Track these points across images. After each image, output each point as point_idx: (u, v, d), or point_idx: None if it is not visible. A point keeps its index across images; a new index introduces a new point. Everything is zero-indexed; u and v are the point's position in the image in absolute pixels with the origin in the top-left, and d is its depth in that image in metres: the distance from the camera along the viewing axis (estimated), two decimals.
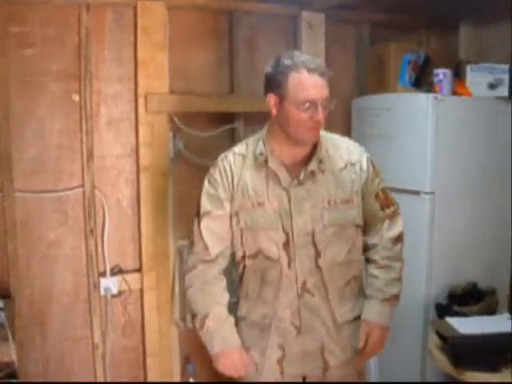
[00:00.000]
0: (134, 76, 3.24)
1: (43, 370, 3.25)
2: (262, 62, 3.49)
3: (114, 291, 3.31)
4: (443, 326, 2.72)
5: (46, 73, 3.09)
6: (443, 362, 2.68)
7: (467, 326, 2.66)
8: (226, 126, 3.49)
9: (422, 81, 3.48)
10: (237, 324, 2.31)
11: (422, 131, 3.13)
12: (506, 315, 2.77)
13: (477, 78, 3.31)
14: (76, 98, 3.15)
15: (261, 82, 3.51)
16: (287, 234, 2.17)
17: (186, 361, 3.57)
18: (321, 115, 2.08)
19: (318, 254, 2.18)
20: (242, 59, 3.51)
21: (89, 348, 3.34)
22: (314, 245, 2.18)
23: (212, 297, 2.25)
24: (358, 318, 2.31)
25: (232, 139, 3.50)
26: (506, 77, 3.29)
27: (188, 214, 3.40)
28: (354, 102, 3.75)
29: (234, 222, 2.23)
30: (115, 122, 3.26)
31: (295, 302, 2.21)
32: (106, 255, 3.28)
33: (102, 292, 3.29)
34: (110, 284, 3.29)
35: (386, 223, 2.32)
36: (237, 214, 2.22)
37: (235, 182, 2.23)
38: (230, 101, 3.48)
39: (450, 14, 3.76)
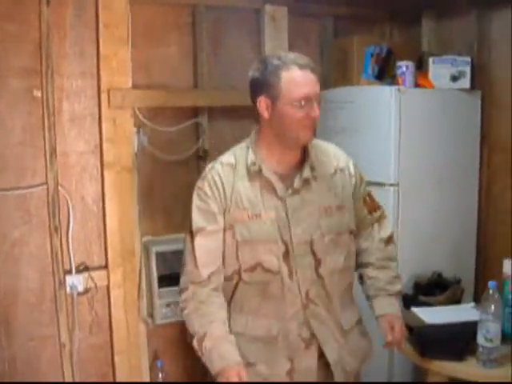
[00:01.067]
0: (96, 71, 3.20)
1: (10, 369, 3.20)
2: (226, 55, 3.57)
3: (80, 289, 3.28)
4: (409, 317, 2.75)
5: (7, 69, 3.03)
6: (410, 353, 2.71)
7: (432, 315, 2.70)
8: (190, 120, 3.48)
9: (384, 73, 3.49)
10: None
11: (385, 123, 3.15)
12: (471, 304, 2.80)
13: (439, 70, 3.34)
14: (38, 94, 3.10)
15: (225, 75, 3.54)
16: (286, 245, 2.13)
17: (154, 357, 3.56)
18: (317, 111, 2.06)
19: (318, 263, 2.16)
20: (206, 53, 3.50)
21: (56, 347, 3.30)
22: (314, 254, 2.15)
23: (208, 317, 2.15)
24: (358, 323, 2.34)
25: (196, 134, 3.51)
26: (468, 69, 3.33)
27: (153, 209, 3.47)
28: None
29: (228, 236, 2.15)
30: (78, 118, 3.22)
31: (301, 313, 2.16)
32: (71, 253, 3.24)
33: (68, 290, 3.25)
34: (76, 282, 3.26)
35: (376, 226, 2.36)
36: (232, 226, 2.14)
37: (227, 193, 2.14)
38: (194, 95, 3.47)
39: (412, 7, 3.78)
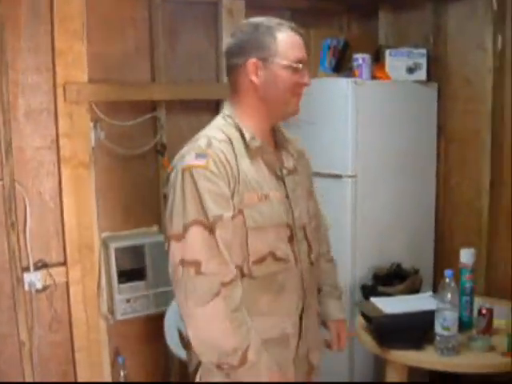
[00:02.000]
0: (52, 66, 3.16)
1: None
2: (183, 49, 3.55)
3: (39, 286, 3.24)
4: (368, 307, 2.78)
5: None
6: (370, 343, 2.74)
7: (391, 305, 2.71)
8: (147, 114, 3.46)
9: (342, 66, 3.53)
10: None
11: (342, 115, 3.18)
12: (429, 293, 2.83)
13: (395, 63, 3.39)
14: None
15: (182, 69, 3.51)
16: (291, 229, 1.93)
17: (115, 353, 3.54)
18: (309, 78, 1.92)
19: (310, 249, 2.02)
20: (163, 47, 3.48)
21: (15, 345, 3.25)
22: (307, 239, 2.01)
23: (246, 324, 1.80)
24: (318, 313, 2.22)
25: (154, 128, 3.49)
26: (424, 61, 3.40)
27: (112, 204, 3.45)
28: None
29: (237, 223, 1.80)
30: (34, 113, 3.18)
31: (300, 305, 1.99)
32: (28, 249, 3.20)
33: (27, 287, 3.21)
34: (34, 279, 3.22)
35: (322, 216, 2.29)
36: (241, 211, 1.81)
37: (235, 172, 1.82)
38: (151, 89, 3.44)
39: (370, 0, 3.82)
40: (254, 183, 1.86)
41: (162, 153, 3.49)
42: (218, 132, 1.88)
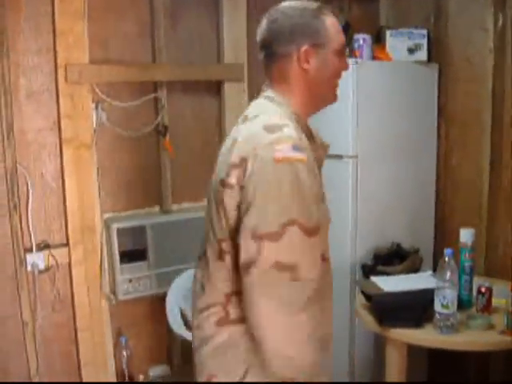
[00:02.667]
0: (52, 47, 3.17)
1: None
2: (184, 31, 3.56)
3: (42, 267, 3.28)
4: (368, 286, 2.81)
5: None
6: (369, 321, 2.77)
7: (391, 284, 2.75)
8: (149, 95, 3.48)
9: None
10: None
11: (343, 96, 3.15)
12: (429, 272, 2.87)
13: (396, 43, 3.43)
14: None
15: (183, 50, 3.52)
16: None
17: (118, 334, 3.58)
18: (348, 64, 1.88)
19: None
20: (163, 29, 3.49)
21: (18, 325, 3.27)
22: None
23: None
24: None
25: (155, 109, 3.52)
26: (425, 41, 3.43)
27: (114, 186, 3.47)
28: None
29: None
30: (35, 95, 3.19)
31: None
32: (31, 231, 3.24)
33: (29, 268, 3.24)
34: (37, 260, 3.26)
35: None
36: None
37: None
38: (152, 70, 3.46)
39: None
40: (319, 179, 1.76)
41: (163, 134, 3.51)
42: (288, 121, 1.71)
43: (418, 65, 3.44)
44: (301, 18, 1.75)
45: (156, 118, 3.53)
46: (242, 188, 1.61)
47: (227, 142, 1.77)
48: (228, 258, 1.70)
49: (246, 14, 3.65)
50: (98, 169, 3.37)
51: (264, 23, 1.80)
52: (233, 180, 1.62)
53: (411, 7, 3.78)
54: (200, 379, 1.83)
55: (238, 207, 1.62)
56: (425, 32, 3.42)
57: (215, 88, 3.70)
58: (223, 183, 1.65)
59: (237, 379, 1.72)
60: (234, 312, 1.71)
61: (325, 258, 1.74)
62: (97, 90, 3.29)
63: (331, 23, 1.77)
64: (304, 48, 1.74)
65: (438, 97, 3.60)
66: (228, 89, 3.68)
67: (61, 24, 3.15)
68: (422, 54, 3.43)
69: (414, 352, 2.87)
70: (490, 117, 3.33)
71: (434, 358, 3.64)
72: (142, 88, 3.46)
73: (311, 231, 1.58)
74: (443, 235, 3.59)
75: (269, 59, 1.81)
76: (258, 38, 1.82)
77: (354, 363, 3.38)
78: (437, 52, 3.57)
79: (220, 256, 1.72)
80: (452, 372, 3.55)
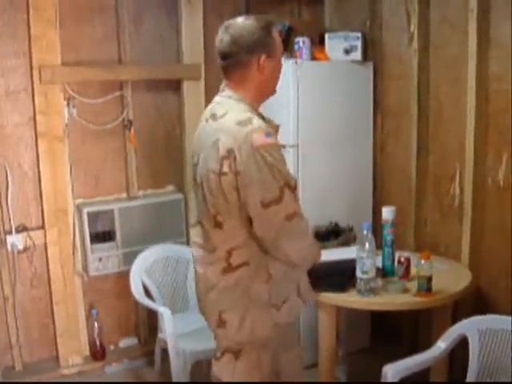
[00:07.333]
0: (28, 50, 3.43)
1: None
2: (147, 34, 3.79)
3: (20, 247, 3.56)
4: None
5: None
6: None
7: (325, 255, 3.08)
8: (115, 93, 3.75)
9: (286, 49, 3.84)
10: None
11: (285, 92, 3.47)
12: (357, 246, 3.16)
13: (333, 45, 3.76)
14: None
15: (146, 52, 3.69)
16: None
17: (90, 307, 3.86)
18: None
19: None
20: (128, 32, 3.74)
21: (0, 300, 3.57)
22: None
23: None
24: None
25: (121, 105, 3.78)
26: (359, 43, 3.75)
27: (84, 174, 3.73)
28: None
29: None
30: (13, 94, 3.47)
31: None
32: (11, 215, 3.51)
33: (9, 248, 3.53)
34: (16, 241, 3.54)
35: None
36: None
37: None
38: (118, 70, 3.72)
39: None
40: None
41: (128, 127, 3.80)
42: (250, 114, 2.12)
43: (354, 64, 3.77)
44: (260, 34, 2.12)
45: (122, 113, 3.80)
46: (236, 173, 2.03)
47: (205, 139, 2.16)
48: (225, 226, 2.14)
49: (202, 18, 3.88)
50: (70, 159, 3.65)
51: (227, 37, 2.14)
52: (226, 169, 2.04)
53: (351, 12, 4.08)
54: (211, 319, 2.28)
55: (237, 188, 2.05)
56: (359, 35, 3.75)
57: (175, 86, 3.95)
58: (218, 172, 2.06)
59: (243, 312, 2.21)
60: (234, 261, 2.16)
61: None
62: (68, 89, 3.57)
63: (276, 36, 2.19)
64: (262, 58, 2.14)
65: (374, 91, 3.91)
66: (187, 86, 3.92)
67: (35, 30, 3.42)
68: (357, 55, 3.75)
69: (358, 319, 3.40)
70: (416, 109, 3.63)
71: (375, 323, 4.02)
72: (109, 86, 3.73)
73: (294, 187, 2.08)
74: (380, 214, 3.88)
75: (231, 66, 2.18)
76: (222, 49, 2.17)
77: (299, 328, 3.62)
78: (372, 52, 3.90)
79: (216, 225, 2.15)
80: (390, 333, 3.92)
